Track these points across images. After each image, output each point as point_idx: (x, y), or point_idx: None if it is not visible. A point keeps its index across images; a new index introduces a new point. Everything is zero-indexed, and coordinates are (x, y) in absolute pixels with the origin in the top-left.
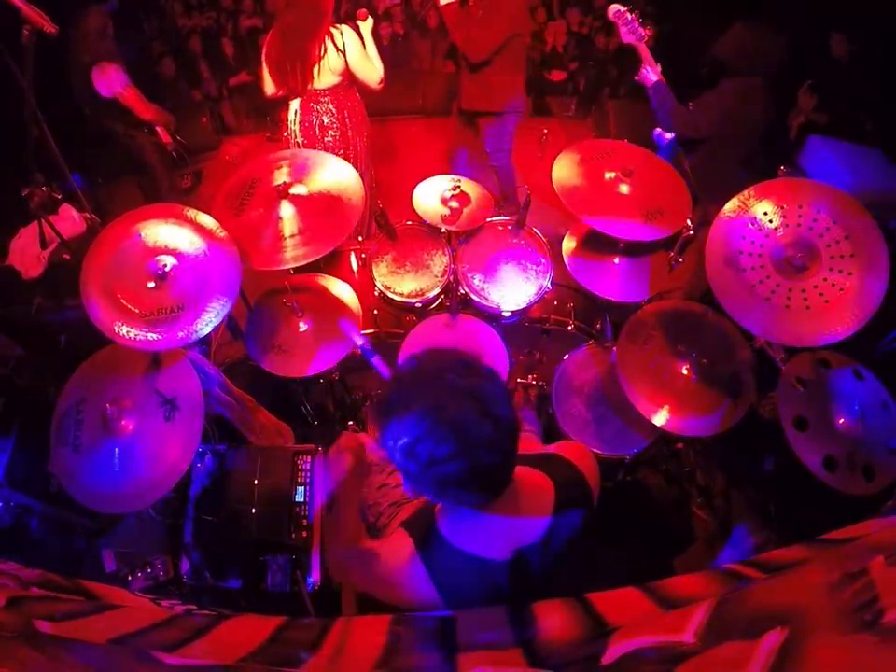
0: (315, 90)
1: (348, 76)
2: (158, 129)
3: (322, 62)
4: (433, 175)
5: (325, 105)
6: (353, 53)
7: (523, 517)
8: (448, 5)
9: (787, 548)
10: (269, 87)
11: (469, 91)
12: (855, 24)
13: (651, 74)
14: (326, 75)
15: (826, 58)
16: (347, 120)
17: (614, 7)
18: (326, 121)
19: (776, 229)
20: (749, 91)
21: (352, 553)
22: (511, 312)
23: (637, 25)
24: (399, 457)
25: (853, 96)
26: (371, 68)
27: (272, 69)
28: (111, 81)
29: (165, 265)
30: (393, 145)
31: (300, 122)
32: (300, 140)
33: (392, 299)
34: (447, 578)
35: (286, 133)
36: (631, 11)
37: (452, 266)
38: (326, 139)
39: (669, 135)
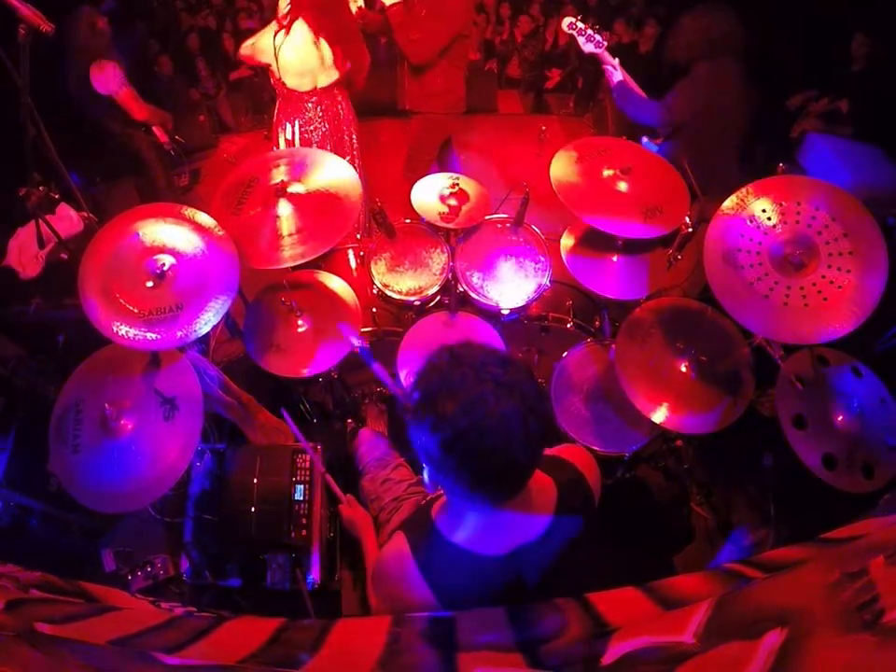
0: (309, 90)
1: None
2: (154, 128)
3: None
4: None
5: (317, 105)
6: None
7: (524, 515)
8: (393, 5)
9: (787, 547)
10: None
11: (411, 91)
12: (875, 26)
13: (616, 73)
14: (323, 73)
15: (843, 63)
16: (340, 117)
17: (568, 20)
18: (318, 121)
19: (774, 226)
20: (722, 71)
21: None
22: (510, 310)
23: (593, 34)
24: (433, 450)
25: (876, 98)
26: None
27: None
28: (108, 79)
29: (164, 264)
30: (390, 143)
31: (294, 122)
32: (295, 140)
33: (391, 297)
34: (441, 576)
35: (283, 139)
36: (583, 21)
37: (450, 264)
38: (319, 138)
39: (658, 141)
